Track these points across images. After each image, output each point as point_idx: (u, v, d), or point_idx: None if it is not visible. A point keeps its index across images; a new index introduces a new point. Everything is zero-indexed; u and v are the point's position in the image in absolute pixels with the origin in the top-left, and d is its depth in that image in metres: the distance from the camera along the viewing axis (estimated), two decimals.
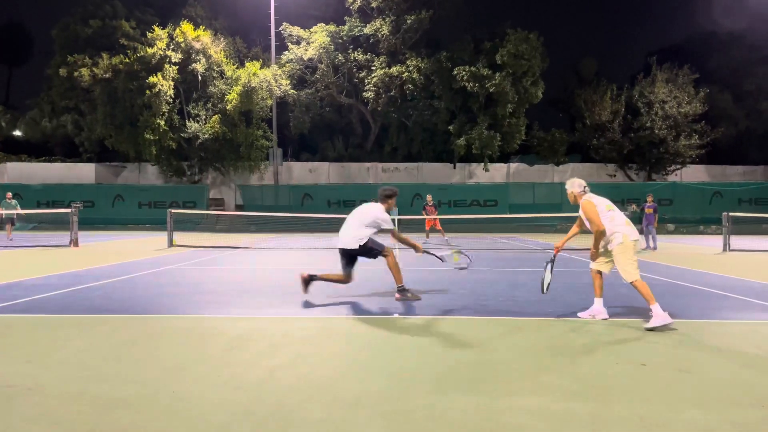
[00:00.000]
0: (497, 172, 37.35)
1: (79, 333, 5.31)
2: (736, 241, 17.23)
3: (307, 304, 7.05)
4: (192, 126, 32.75)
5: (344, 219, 7.39)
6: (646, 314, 5.78)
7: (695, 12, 64.02)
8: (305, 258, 13.88)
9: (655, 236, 17.18)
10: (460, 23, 36.47)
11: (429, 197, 20.43)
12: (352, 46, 35.75)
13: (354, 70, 35.75)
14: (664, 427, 3.07)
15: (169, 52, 31.82)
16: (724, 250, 16.16)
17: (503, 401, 3.47)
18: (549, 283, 6.56)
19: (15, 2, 57.20)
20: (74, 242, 16.93)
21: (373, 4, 35.02)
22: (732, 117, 39.06)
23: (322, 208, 32.83)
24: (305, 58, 35.06)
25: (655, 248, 16.77)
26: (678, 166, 36.56)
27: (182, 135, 32.98)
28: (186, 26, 32.49)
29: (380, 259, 7.35)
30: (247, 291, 8.13)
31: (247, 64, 33.44)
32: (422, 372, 4.10)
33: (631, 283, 5.80)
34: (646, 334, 5.35)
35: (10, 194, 20.32)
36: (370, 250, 7.13)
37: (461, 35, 35.69)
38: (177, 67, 32.14)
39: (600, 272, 6.10)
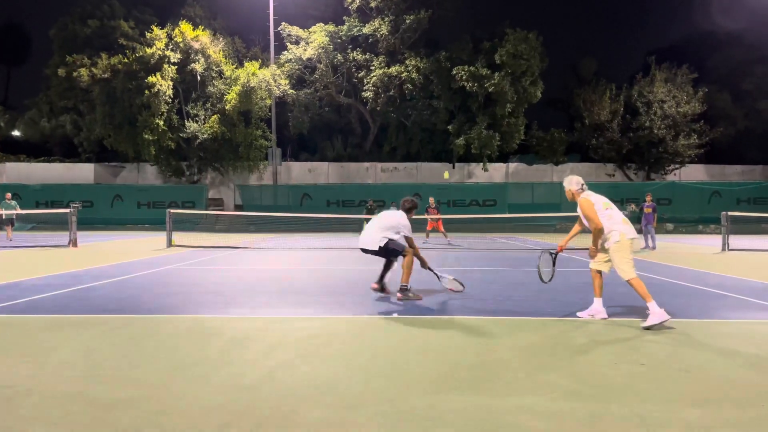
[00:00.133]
0: (496, 172, 37.36)
1: (77, 333, 5.31)
2: (735, 240, 17.24)
3: (306, 304, 7.04)
4: (191, 126, 32.74)
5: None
6: (645, 313, 5.79)
7: (694, 12, 64.01)
8: (305, 258, 13.88)
9: (654, 236, 17.19)
10: (459, 23, 36.54)
11: (431, 199, 20.48)
12: (351, 46, 35.75)
13: (353, 69, 35.75)
14: (663, 426, 3.08)
15: (167, 52, 31.81)
16: (723, 249, 16.17)
17: (503, 401, 3.47)
18: (552, 277, 6.62)
19: (13, 2, 57.13)
20: (73, 242, 16.91)
21: (372, 4, 35.02)
22: (731, 116, 39.10)
23: (321, 208, 32.84)
24: (304, 57, 35.06)
25: (654, 248, 16.78)
26: (677, 166, 36.60)
27: (181, 135, 32.97)
28: (185, 26, 32.48)
29: (382, 260, 7.36)
30: (247, 291, 8.13)
31: (246, 64, 33.44)
32: (422, 372, 4.10)
33: (627, 281, 5.80)
34: (645, 334, 5.35)
35: (9, 195, 20.30)
36: (392, 251, 7.38)
37: (460, 35, 35.76)
38: (176, 67, 32.13)
39: (600, 272, 6.10)
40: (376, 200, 28.85)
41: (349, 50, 35.59)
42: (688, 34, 47.25)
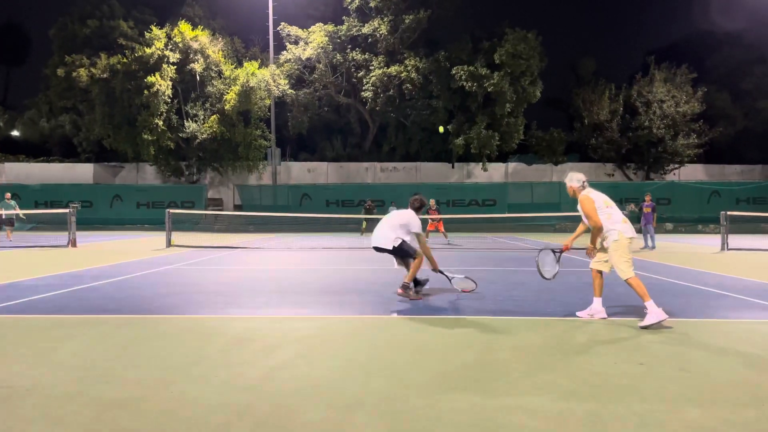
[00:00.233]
0: (495, 172, 37.37)
1: (77, 333, 5.30)
2: (734, 240, 17.25)
3: (306, 304, 7.05)
4: (190, 126, 32.73)
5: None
6: (644, 313, 5.79)
7: (693, 12, 64.13)
8: (304, 258, 13.88)
9: (654, 235, 17.19)
10: (459, 23, 36.49)
11: (432, 201, 20.49)
12: (350, 46, 35.75)
13: (352, 69, 35.74)
14: (662, 426, 3.08)
15: (167, 52, 31.81)
16: (722, 249, 16.18)
17: (502, 401, 3.47)
18: (556, 274, 6.61)
19: (13, 2, 57.11)
20: (72, 242, 16.91)
21: (372, 4, 35.03)
22: (730, 116, 39.14)
23: (321, 208, 32.85)
24: (303, 57, 35.06)
25: (653, 247, 16.78)
26: (676, 166, 36.63)
27: (180, 135, 32.96)
28: (184, 26, 32.47)
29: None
30: (246, 291, 8.13)
31: (245, 63, 33.45)
32: (421, 372, 4.10)
33: (625, 280, 5.80)
34: (644, 334, 5.35)
35: (9, 195, 20.28)
36: (405, 252, 7.50)
37: (459, 35, 35.73)
38: (175, 67, 32.14)
39: (600, 272, 6.09)
40: (376, 200, 28.88)
41: (348, 50, 35.59)
42: (687, 33, 47.31)
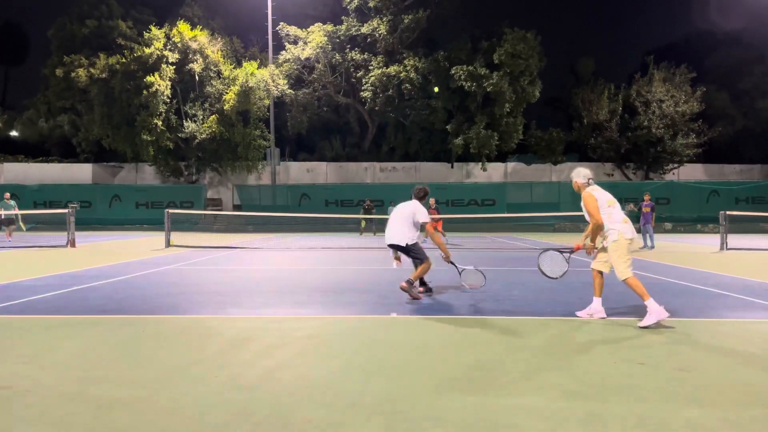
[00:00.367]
0: (495, 172, 37.38)
1: (76, 334, 5.30)
2: (734, 239, 17.27)
3: (305, 304, 7.04)
4: (189, 126, 32.72)
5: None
6: (643, 313, 5.79)
7: (692, 11, 64.16)
8: (304, 258, 13.87)
9: (653, 235, 17.20)
10: (458, 23, 36.52)
11: (432, 200, 20.50)
12: (349, 46, 35.75)
13: (351, 69, 35.74)
14: (662, 425, 3.08)
15: (166, 52, 31.79)
16: (722, 248, 16.19)
17: (501, 401, 3.47)
18: (564, 272, 6.58)
19: (12, 2, 57.06)
20: (71, 242, 16.89)
21: (371, 4, 35.03)
22: (729, 116, 39.18)
23: (320, 208, 32.85)
24: (302, 57, 35.06)
25: (652, 247, 16.79)
26: (675, 165, 36.65)
27: (179, 135, 32.95)
28: (183, 26, 32.46)
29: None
30: (245, 291, 8.12)
31: (244, 63, 33.43)
32: (421, 372, 4.09)
33: (623, 281, 5.79)
34: (644, 333, 5.35)
35: (8, 195, 20.25)
36: (417, 254, 7.51)
37: (458, 35, 35.74)
38: (174, 67, 32.12)
39: (601, 272, 6.08)
40: (375, 200, 28.87)
41: (347, 50, 35.59)
42: (686, 33, 47.40)
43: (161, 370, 4.12)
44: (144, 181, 37.39)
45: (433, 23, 35.73)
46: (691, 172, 38.22)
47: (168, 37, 32.42)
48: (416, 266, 7.53)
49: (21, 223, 19.58)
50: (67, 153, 40.11)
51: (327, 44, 34.84)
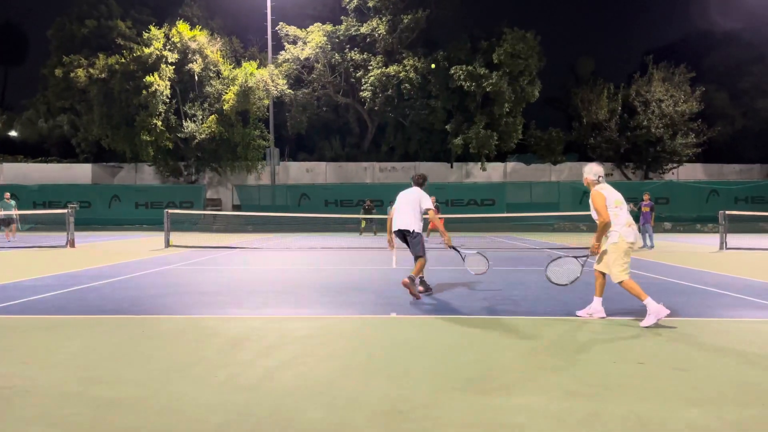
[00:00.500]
0: (494, 172, 37.38)
1: (75, 334, 5.29)
2: (733, 239, 17.27)
3: (305, 304, 7.04)
4: (189, 126, 32.71)
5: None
6: (643, 312, 5.79)
7: (692, 11, 64.19)
8: (303, 258, 13.87)
9: (652, 235, 17.21)
10: (457, 22, 36.50)
11: (432, 198, 20.51)
12: (348, 46, 35.75)
13: (351, 69, 35.74)
14: (661, 425, 3.08)
15: (165, 52, 31.78)
16: (721, 248, 16.19)
17: (501, 400, 3.47)
18: (575, 279, 6.40)
19: (11, 2, 56.97)
20: (71, 243, 16.89)
21: (370, 4, 35.04)
22: (728, 115, 39.19)
23: (320, 208, 32.85)
24: (302, 57, 35.06)
25: (652, 247, 16.80)
26: (675, 165, 36.66)
27: (179, 135, 32.95)
28: (182, 26, 32.45)
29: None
30: (245, 291, 8.12)
31: (243, 63, 33.42)
32: (420, 372, 4.09)
33: (618, 283, 5.78)
34: (643, 333, 5.35)
35: (8, 195, 20.25)
36: (417, 243, 7.60)
37: (458, 34, 35.72)
38: (173, 67, 32.11)
39: (603, 273, 6.02)
40: (374, 200, 28.86)
41: (346, 50, 35.59)
42: (685, 33, 47.40)
43: (161, 370, 4.12)
44: (143, 181, 37.38)
45: (432, 23, 35.73)
46: (691, 172, 38.24)
47: (167, 37, 32.41)
48: (416, 260, 7.56)
49: (18, 224, 19.59)
50: (67, 153, 40.10)
51: (326, 44, 34.84)
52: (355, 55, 35.32)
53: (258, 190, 35.22)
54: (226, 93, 32.09)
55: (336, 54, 35.32)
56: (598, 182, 6.06)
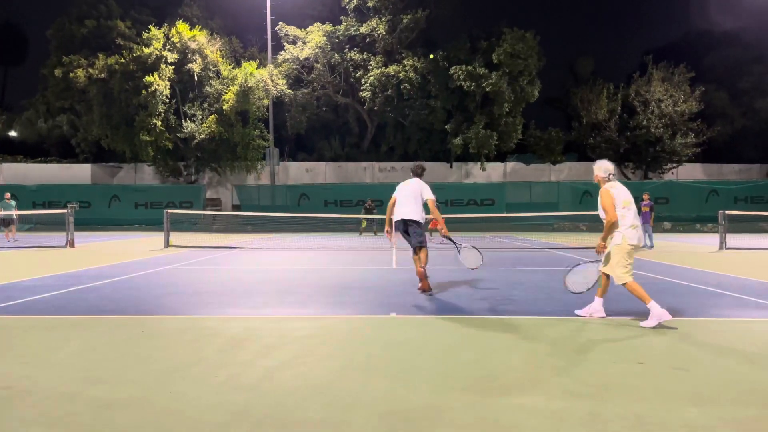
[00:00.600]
0: (494, 171, 37.38)
1: (75, 334, 5.29)
2: (733, 239, 17.28)
3: (305, 304, 7.04)
4: (188, 126, 32.70)
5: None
6: (643, 313, 5.79)
7: (691, 11, 64.17)
8: (303, 258, 13.87)
9: (652, 234, 17.21)
10: (456, 22, 36.51)
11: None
12: (348, 46, 35.75)
13: (350, 69, 35.74)
14: (661, 425, 3.08)
15: (165, 52, 31.77)
16: (721, 248, 16.20)
17: (501, 400, 3.47)
18: (595, 283, 6.20)
19: (10, 2, 56.99)
20: (70, 243, 16.88)
21: (369, 4, 35.03)
22: (728, 115, 39.19)
23: (319, 208, 32.84)
24: (301, 57, 35.06)
25: (651, 247, 16.80)
26: (674, 165, 36.65)
27: (178, 135, 32.94)
28: (182, 26, 32.44)
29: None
30: (245, 291, 8.12)
31: (243, 63, 33.41)
32: (421, 372, 4.09)
33: (622, 285, 5.75)
34: (643, 333, 5.35)
35: (8, 195, 20.23)
36: (420, 234, 7.86)
37: (457, 34, 35.73)
38: (173, 67, 32.09)
39: (608, 275, 5.95)
40: (374, 200, 28.86)
41: (346, 50, 35.59)
42: (685, 33, 47.39)
43: (161, 370, 4.12)
44: (143, 181, 37.37)
45: (431, 23, 35.73)
46: (690, 172, 38.24)
47: (167, 37, 32.40)
48: (419, 251, 7.80)
49: (16, 224, 19.57)
50: (66, 153, 40.08)
51: (326, 44, 34.83)
52: (355, 55, 35.32)
53: (257, 190, 35.22)
54: (226, 93, 32.08)
55: (335, 54, 35.32)
56: (608, 180, 5.97)
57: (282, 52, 35.38)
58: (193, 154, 34.25)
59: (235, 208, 35.14)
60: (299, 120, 35.96)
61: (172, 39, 32.26)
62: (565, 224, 30.34)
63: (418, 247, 7.74)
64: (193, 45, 32.51)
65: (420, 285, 7.73)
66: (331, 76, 35.91)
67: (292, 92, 35.04)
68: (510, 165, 38.57)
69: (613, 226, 5.74)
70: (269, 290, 8.22)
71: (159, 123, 31.48)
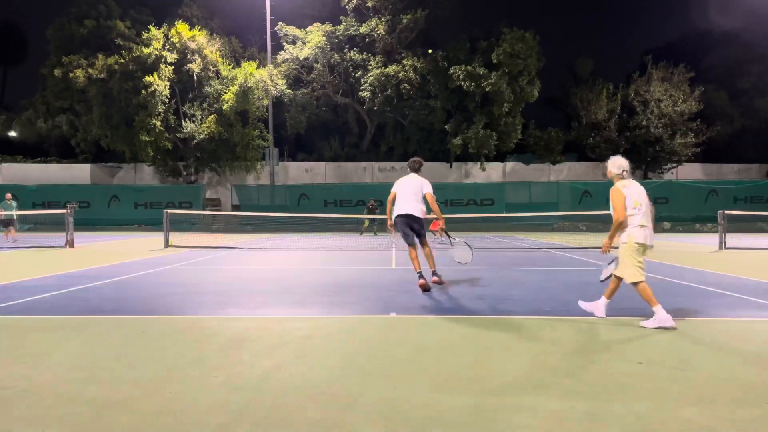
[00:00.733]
0: (493, 171, 37.38)
1: (75, 334, 5.29)
2: (732, 239, 17.29)
3: (304, 304, 7.04)
4: (188, 126, 32.69)
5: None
6: (643, 313, 5.79)
7: (691, 11, 64.24)
8: (303, 258, 13.87)
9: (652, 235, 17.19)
10: (456, 22, 36.54)
11: None
12: (348, 46, 35.75)
13: (350, 69, 35.74)
14: (660, 425, 3.08)
15: (164, 52, 31.75)
16: (720, 248, 16.20)
17: (500, 400, 3.47)
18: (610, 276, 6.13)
19: (10, 2, 56.96)
20: (70, 243, 16.88)
21: (369, 4, 35.03)
22: (727, 115, 39.19)
23: (319, 208, 32.84)
24: (301, 57, 35.05)
25: (651, 246, 16.78)
26: (674, 165, 36.66)
27: (178, 135, 32.93)
28: (181, 26, 32.43)
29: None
30: (244, 291, 8.12)
31: (243, 64, 33.40)
32: (421, 372, 4.09)
33: (633, 286, 5.69)
34: (643, 333, 5.35)
35: (9, 195, 20.21)
36: (422, 228, 8.19)
37: (457, 34, 35.75)
38: (172, 67, 32.07)
39: (619, 278, 5.86)
40: (375, 200, 28.87)
41: (346, 50, 35.58)
42: (684, 32, 47.41)
43: (160, 370, 4.12)
44: (143, 181, 37.35)
45: (431, 23, 35.72)
46: (690, 172, 38.24)
47: (166, 37, 32.38)
48: (423, 244, 8.22)
49: (15, 225, 19.56)
50: (66, 153, 40.06)
51: (325, 44, 34.83)
52: (355, 55, 35.31)
53: (257, 190, 35.21)
54: (226, 93, 32.06)
55: (335, 54, 35.32)
56: (622, 177, 5.84)
57: (281, 52, 35.37)
58: (193, 154, 34.24)
59: (235, 208, 35.12)
60: (299, 120, 35.95)
61: (171, 39, 32.24)
62: (564, 224, 30.34)
63: (423, 241, 8.15)
64: (192, 45, 32.50)
65: (424, 282, 7.86)
66: (330, 76, 35.91)
67: (292, 92, 35.03)
68: (510, 165, 38.57)
69: (620, 225, 5.68)
70: (269, 290, 8.21)
71: (158, 123, 31.47)
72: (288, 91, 34.45)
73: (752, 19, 39.66)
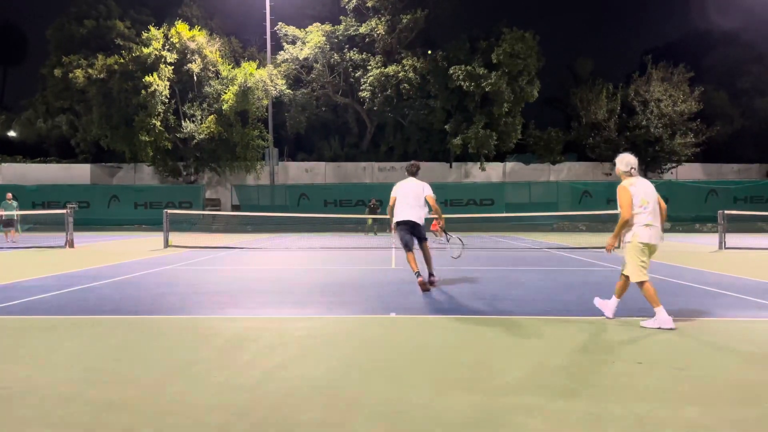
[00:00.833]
0: (493, 171, 37.38)
1: (74, 334, 5.29)
2: (732, 239, 17.28)
3: (304, 304, 7.04)
4: (188, 126, 32.68)
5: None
6: (643, 313, 5.79)
7: (690, 11, 64.23)
8: (302, 258, 13.87)
9: None
10: (456, 22, 36.51)
11: None
12: (347, 46, 35.74)
13: (350, 69, 35.74)
14: (660, 425, 3.08)
15: (164, 52, 31.75)
16: (720, 248, 16.20)
17: (500, 400, 3.47)
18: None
19: (10, 2, 56.92)
20: (70, 243, 16.87)
21: (369, 4, 35.03)
22: (727, 115, 39.18)
23: (319, 208, 32.84)
24: (301, 57, 35.05)
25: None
26: (674, 165, 36.65)
27: (178, 135, 32.92)
28: (181, 26, 32.42)
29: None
30: (244, 291, 8.12)
31: (242, 64, 33.39)
32: (421, 372, 4.09)
33: (638, 285, 5.66)
34: (643, 333, 5.35)
35: (10, 195, 20.19)
36: (422, 232, 8.32)
37: (457, 34, 35.74)
38: (172, 67, 32.06)
39: (627, 276, 5.82)
40: (376, 199, 28.88)
41: (345, 50, 35.58)
42: (684, 32, 47.40)
43: (160, 370, 4.12)
44: (142, 181, 37.34)
45: (431, 23, 35.71)
46: (690, 172, 38.23)
47: (166, 37, 32.36)
48: (423, 246, 8.33)
49: (17, 225, 19.55)
50: (66, 153, 40.04)
51: (325, 44, 34.82)
52: (354, 55, 35.31)
53: (257, 190, 35.20)
54: (225, 93, 32.06)
55: (335, 54, 35.31)
56: (630, 174, 5.80)
57: (281, 52, 35.37)
58: (193, 154, 34.23)
59: (235, 208, 35.12)
60: (299, 120, 35.95)
61: (171, 39, 32.23)
62: (564, 224, 30.33)
63: (423, 244, 8.31)
64: (192, 45, 32.49)
65: (423, 280, 7.96)
66: (330, 76, 35.90)
67: (292, 92, 35.03)
68: (509, 165, 38.56)
69: (624, 224, 5.64)
70: (269, 290, 8.21)
71: (158, 123, 31.46)
72: (288, 91, 34.45)
73: (752, 19, 39.67)
